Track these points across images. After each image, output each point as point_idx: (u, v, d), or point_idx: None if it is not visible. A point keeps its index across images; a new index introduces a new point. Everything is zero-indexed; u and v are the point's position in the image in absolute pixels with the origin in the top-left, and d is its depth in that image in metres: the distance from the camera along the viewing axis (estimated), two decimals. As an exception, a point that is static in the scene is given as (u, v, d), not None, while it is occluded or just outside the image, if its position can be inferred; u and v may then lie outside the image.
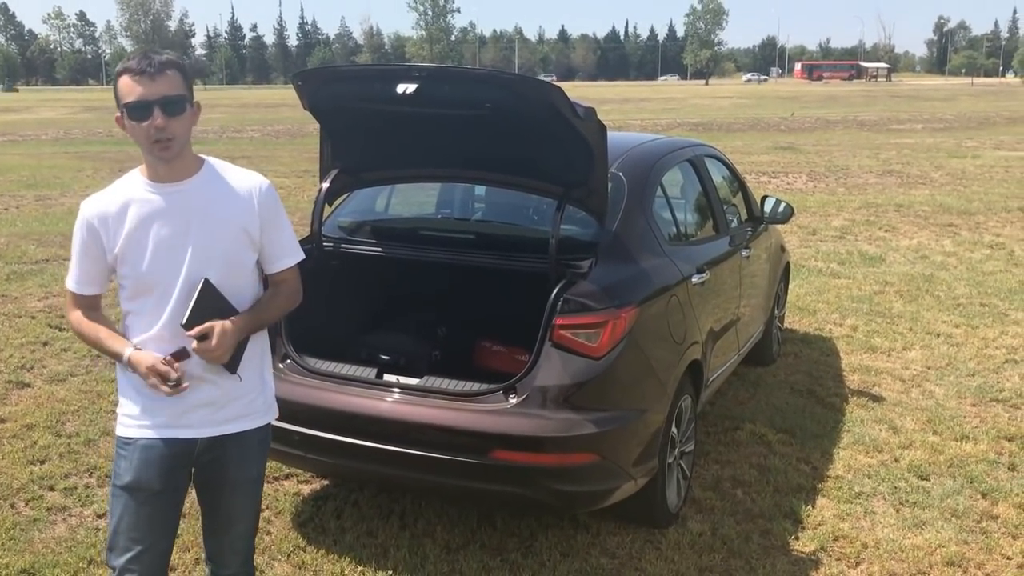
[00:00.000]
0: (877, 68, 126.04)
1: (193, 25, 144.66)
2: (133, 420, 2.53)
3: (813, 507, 4.20)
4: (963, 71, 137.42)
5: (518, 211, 4.79)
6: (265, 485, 4.22)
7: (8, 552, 3.74)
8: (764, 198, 6.00)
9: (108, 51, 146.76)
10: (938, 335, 6.98)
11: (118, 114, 2.42)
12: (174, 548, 2.79)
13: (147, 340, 2.47)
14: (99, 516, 4.04)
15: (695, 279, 4.26)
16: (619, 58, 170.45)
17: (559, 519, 4.04)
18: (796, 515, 4.12)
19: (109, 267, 2.50)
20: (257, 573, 3.53)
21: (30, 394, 5.58)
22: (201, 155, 2.55)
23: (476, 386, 3.57)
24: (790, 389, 5.81)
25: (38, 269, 9.06)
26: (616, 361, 3.50)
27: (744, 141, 25.73)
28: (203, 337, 2.40)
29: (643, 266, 3.93)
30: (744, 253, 5.27)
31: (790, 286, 7.29)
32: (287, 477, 4.47)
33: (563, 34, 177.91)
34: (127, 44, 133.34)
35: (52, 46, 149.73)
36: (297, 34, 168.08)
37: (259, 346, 2.65)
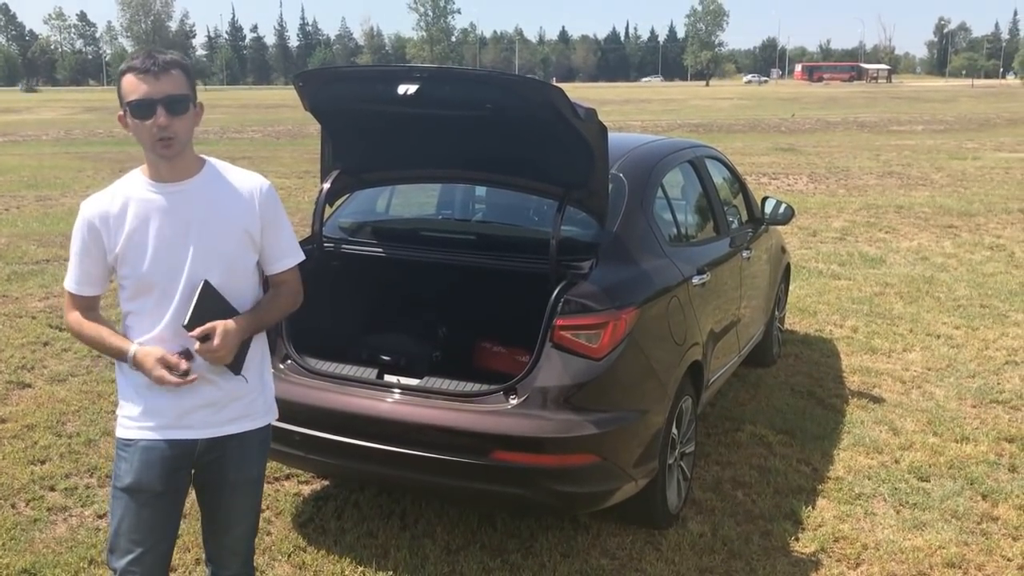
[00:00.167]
0: (877, 69, 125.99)
1: (194, 26, 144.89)
2: (133, 422, 2.53)
3: (813, 508, 4.20)
4: (963, 72, 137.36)
5: (519, 212, 4.79)
6: (266, 486, 4.23)
7: (9, 552, 3.74)
8: (765, 199, 6.01)
9: (109, 52, 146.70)
10: (938, 336, 6.99)
11: (121, 112, 2.43)
12: (175, 549, 2.79)
13: (149, 341, 2.47)
14: (100, 516, 4.04)
15: (696, 280, 4.26)
16: (619, 59, 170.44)
17: (559, 520, 4.04)
18: (796, 516, 4.12)
19: (109, 267, 2.50)
20: (258, 573, 3.53)
21: (31, 394, 5.58)
22: (202, 155, 2.56)
23: (476, 387, 3.57)
24: (790, 390, 5.82)
25: (39, 269, 9.06)
26: (617, 362, 3.51)
27: (744, 142, 25.74)
28: (205, 338, 2.40)
29: (644, 267, 3.93)
30: (745, 254, 5.27)
31: (791, 287, 7.29)
32: (288, 478, 4.47)
33: (563, 35, 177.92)
34: (128, 45, 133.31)
35: (53, 47, 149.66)
36: (298, 35, 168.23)
37: (259, 348, 2.65)
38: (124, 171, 2.57)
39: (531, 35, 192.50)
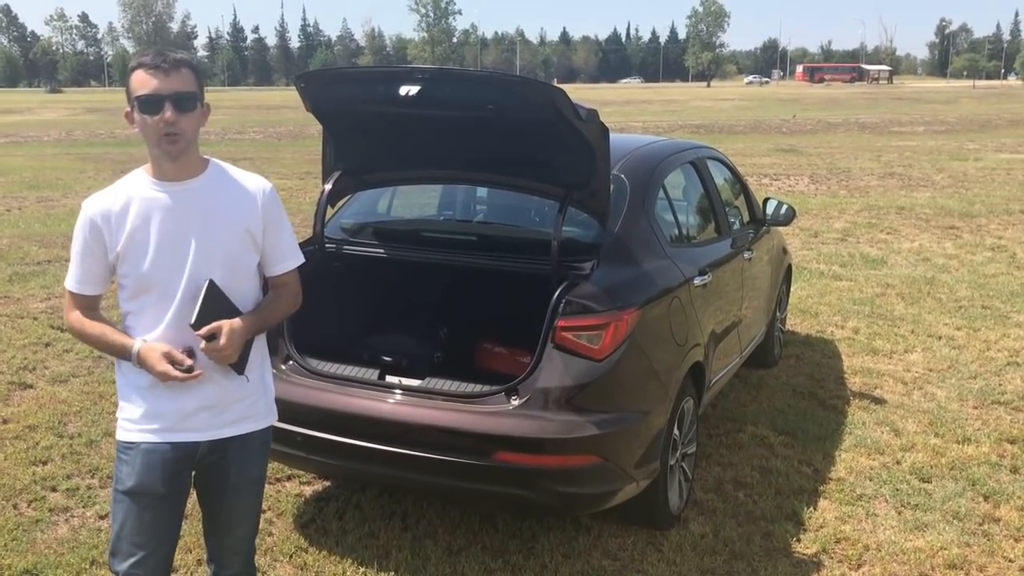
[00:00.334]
0: (879, 70, 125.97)
1: (195, 27, 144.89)
2: (134, 424, 2.52)
3: (815, 509, 4.20)
4: (965, 73, 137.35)
5: (520, 213, 4.80)
6: (267, 486, 4.24)
7: (11, 553, 3.75)
8: (766, 200, 6.01)
9: (110, 53, 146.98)
10: (940, 337, 6.98)
11: (128, 109, 2.44)
12: (177, 549, 2.79)
13: (156, 338, 2.47)
14: (101, 517, 4.04)
15: (697, 281, 4.26)
16: (621, 60, 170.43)
17: (561, 521, 4.04)
18: (798, 517, 4.12)
19: (111, 266, 2.49)
20: (259, 574, 3.53)
21: (32, 395, 5.59)
22: (206, 156, 2.56)
23: (478, 388, 3.57)
24: (792, 391, 5.81)
25: (40, 270, 9.07)
26: (618, 363, 3.50)
27: (746, 143, 25.74)
28: (211, 337, 2.40)
29: (645, 268, 3.93)
30: (746, 255, 5.27)
31: (792, 288, 7.29)
32: (289, 478, 4.48)
33: (565, 36, 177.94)
34: (129, 46, 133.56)
35: (54, 48, 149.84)
36: (299, 36, 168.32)
37: (260, 349, 2.65)
38: (125, 172, 2.57)
39: (532, 36, 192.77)
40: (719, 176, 5.48)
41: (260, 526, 3.71)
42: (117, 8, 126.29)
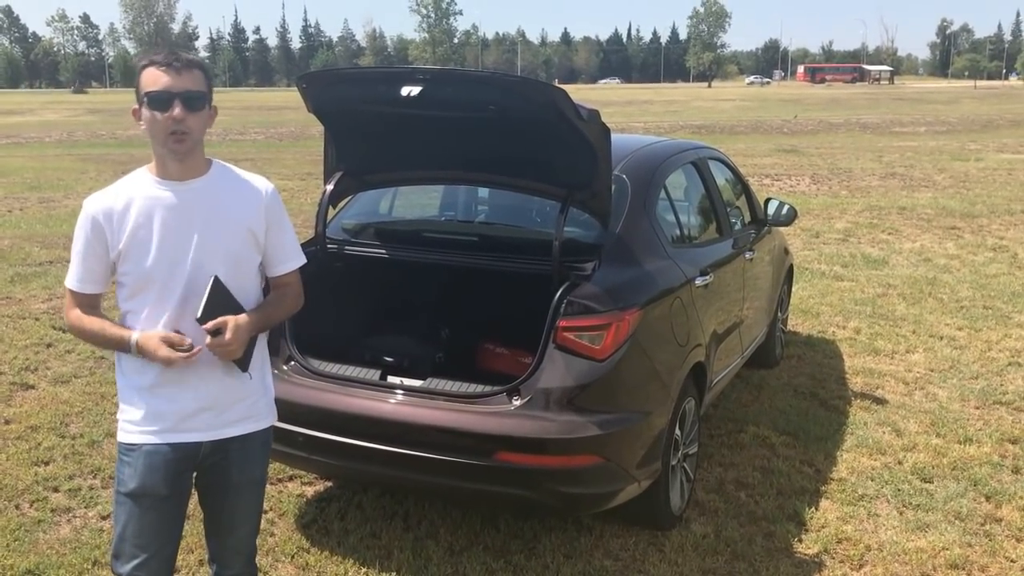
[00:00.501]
0: (880, 71, 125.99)
1: (197, 28, 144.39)
2: (136, 426, 2.52)
3: (816, 509, 4.20)
4: (966, 74, 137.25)
5: (521, 213, 4.80)
6: (269, 487, 4.24)
7: (13, 553, 3.75)
8: (767, 200, 6.01)
9: (111, 54, 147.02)
10: (941, 338, 6.98)
11: (136, 106, 2.44)
12: (178, 550, 2.79)
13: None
14: (103, 517, 4.04)
15: (698, 281, 4.26)
16: (622, 60, 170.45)
17: (563, 521, 4.04)
18: (799, 517, 4.12)
19: (112, 264, 2.48)
20: (261, 574, 3.54)
21: (34, 396, 5.59)
22: (208, 157, 2.57)
23: (480, 388, 3.57)
24: (793, 392, 5.81)
25: (42, 271, 9.07)
26: (620, 363, 3.51)
27: (747, 144, 25.74)
28: (217, 332, 2.40)
29: (646, 268, 3.93)
30: (747, 255, 5.27)
31: (793, 289, 7.29)
32: (291, 479, 4.48)
33: (566, 36, 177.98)
34: (130, 47, 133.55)
35: (56, 48, 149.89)
36: (300, 36, 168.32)
37: (260, 350, 2.65)
38: (127, 172, 2.57)
39: (533, 37, 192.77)
40: (720, 176, 5.48)
41: (262, 526, 3.71)
42: (118, 9, 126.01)
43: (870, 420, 5.30)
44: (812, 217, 12.57)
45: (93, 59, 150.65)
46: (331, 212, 4.28)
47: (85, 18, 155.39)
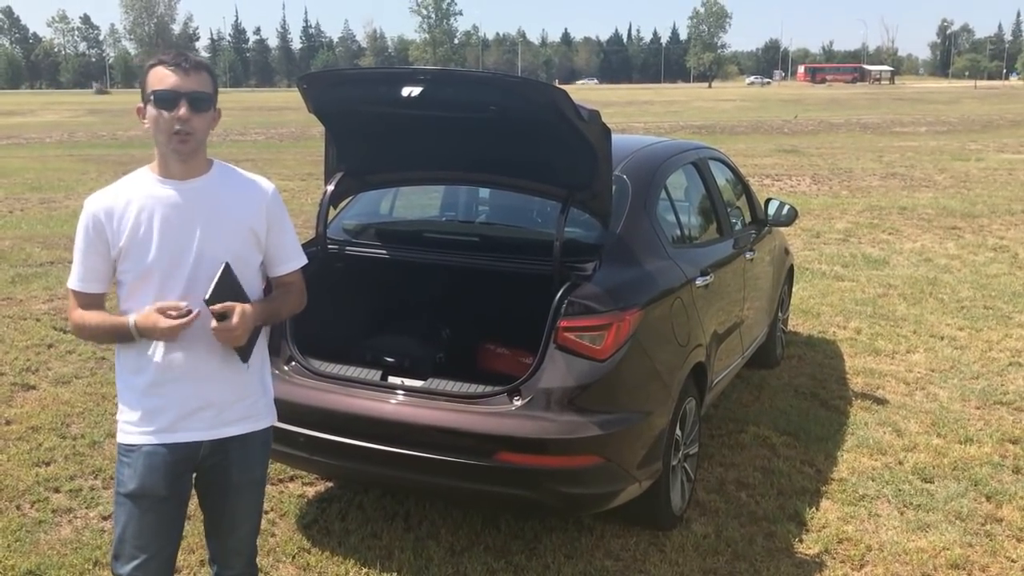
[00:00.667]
0: (880, 71, 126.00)
1: (197, 28, 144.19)
2: (135, 427, 2.52)
3: (817, 510, 4.20)
4: (966, 74, 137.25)
5: (522, 214, 4.80)
6: (270, 487, 4.25)
7: (14, 554, 3.75)
8: (768, 200, 6.01)
9: (112, 54, 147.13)
10: (942, 338, 6.98)
11: (140, 105, 2.45)
12: (180, 550, 2.79)
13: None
14: (104, 518, 4.05)
15: (699, 281, 4.26)
16: (622, 61, 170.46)
17: (563, 521, 4.04)
18: (800, 518, 4.12)
19: (113, 262, 2.48)
20: (262, 574, 3.54)
21: (35, 396, 5.59)
22: (209, 157, 2.57)
23: (480, 388, 3.57)
24: (794, 392, 5.81)
25: (43, 272, 9.08)
26: (620, 363, 3.51)
27: (747, 144, 25.74)
28: (223, 318, 2.40)
29: (647, 268, 3.93)
30: (748, 255, 5.27)
31: (794, 289, 7.29)
32: (292, 479, 4.48)
33: (566, 37, 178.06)
34: (131, 47, 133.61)
35: (56, 49, 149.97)
36: (300, 37, 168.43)
37: (260, 350, 2.66)
38: (128, 173, 2.57)
39: (534, 37, 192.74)
40: (721, 177, 5.48)
41: (263, 527, 3.73)
42: (119, 10, 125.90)
43: (871, 420, 5.30)
44: (812, 217, 12.58)
45: (94, 60, 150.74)
46: (332, 213, 4.28)
47: (86, 19, 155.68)
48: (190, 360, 2.49)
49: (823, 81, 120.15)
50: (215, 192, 2.51)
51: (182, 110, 2.38)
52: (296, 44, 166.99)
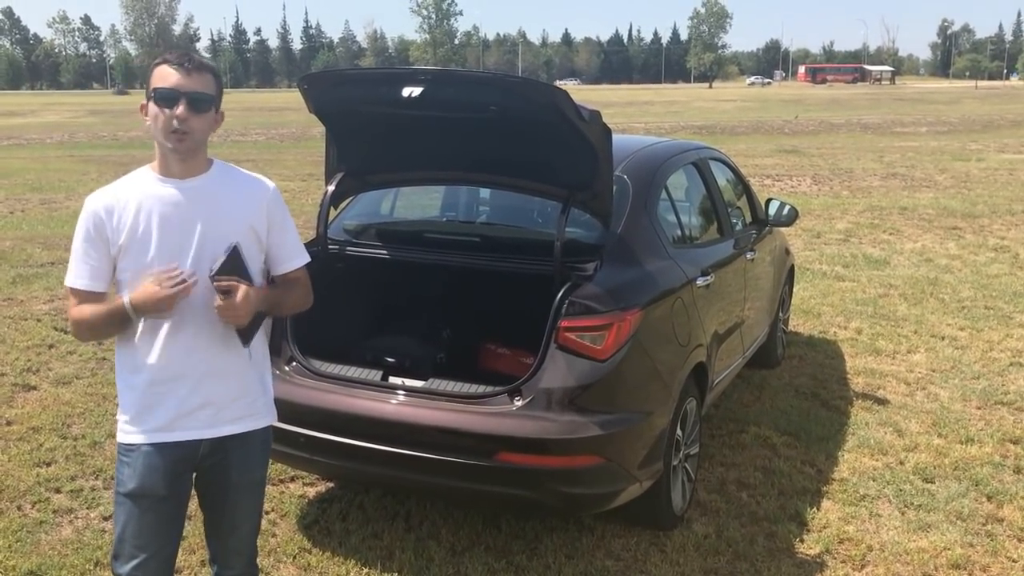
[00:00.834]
0: (881, 71, 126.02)
1: (198, 29, 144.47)
2: (134, 426, 2.52)
3: (818, 510, 4.20)
4: (967, 74, 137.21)
5: (523, 214, 4.80)
6: (271, 487, 4.25)
7: (15, 554, 3.75)
8: (768, 201, 6.01)
9: (112, 55, 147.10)
10: (943, 338, 6.98)
11: (144, 102, 2.45)
12: (180, 551, 2.80)
13: (154, 339, 2.46)
14: (105, 518, 4.05)
15: (700, 282, 4.26)
16: (622, 61, 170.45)
17: (564, 521, 4.04)
18: (801, 518, 4.12)
19: (113, 261, 2.47)
20: (263, 575, 3.54)
21: (36, 397, 5.60)
22: (210, 157, 2.57)
23: (481, 388, 3.57)
24: (795, 392, 5.81)
25: (43, 272, 9.08)
26: (621, 364, 3.51)
27: (748, 144, 25.74)
28: (227, 294, 2.39)
29: (648, 269, 3.93)
30: (748, 256, 5.27)
31: (794, 289, 7.29)
32: (293, 479, 4.48)
33: (567, 37, 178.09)
34: (131, 48, 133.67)
35: (57, 50, 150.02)
36: (301, 38, 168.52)
37: (261, 350, 2.66)
38: (128, 173, 2.58)
39: (534, 37, 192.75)
40: (721, 177, 5.48)
41: (264, 527, 3.73)
42: (120, 10, 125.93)
43: (871, 420, 5.30)
44: (813, 217, 12.57)
45: (94, 60, 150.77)
46: (332, 213, 4.28)
47: (86, 19, 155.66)
48: (189, 359, 2.48)
49: (824, 81, 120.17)
50: (215, 191, 2.51)
51: (180, 109, 2.38)
52: (297, 45, 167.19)
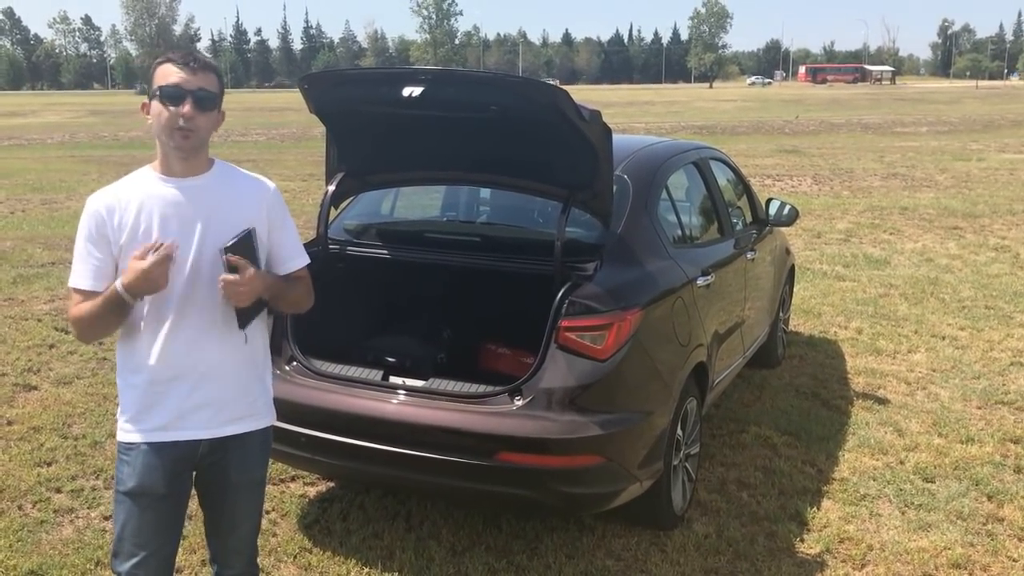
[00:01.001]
0: (881, 71, 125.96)
1: (198, 29, 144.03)
2: (134, 425, 2.52)
3: (818, 509, 4.20)
4: (968, 74, 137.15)
5: (523, 214, 4.80)
6: (271, 487, 4.25)
7: (16, 554, 3.75)
8: (769, 200, 6.01)
9: (113, 55, 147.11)
10: (943, 338, 6.98)
11: (147, 100, 2.46)
12: (181, 550, 2.80)
13: (156, 340, 2.46)
14: (106, 518, 4.05)
15: (700, 281, 4.26)
16: (623, 61, 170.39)
17: (564, 521, 4.04)
18: (801, 517, 4.12)
19: (115, 260, 2.47)
20: (263, 574, 3.54)
21: (37, 397, 5.60)
22: (211, 157, 2.58)
23: (482, 388, 3.58)
24: (795, 392, 5.81)
25: (44, 272, 9.09)
26: (621, 363, 3.51)
27: (748, 144, 25.73)
28: (234, 270, 2.39)
29: (648, 268, 3.93)
30: (749, 255, 5.27)
31: (795, 289, 7.29)
32: (293, 479, 4.48)
33: (567, 37, 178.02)
34: (132, 48, 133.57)
35: (57, 50, 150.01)
36: (301, 38, 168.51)
37: (262, 350, 2.66)
38: (129, 173, 2.58)
39: (534, 37, 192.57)
40: (722, 177, 5.48)
41: (264, 527, 3.73)
42: (120, 11, 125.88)
43: (872, 420, 5.30)
44: (814, 217, 12.57)
45: (95, 61, 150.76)
46: (333, 213, 4.28)
47: (87, 20, 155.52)
48: (189, 358, 2.49)
49: (824, 81, 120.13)
50: (216, 191, 2.52)
51: (187, 107, 2.39)
52: (297, 45, 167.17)
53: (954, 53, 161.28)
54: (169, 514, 2.57)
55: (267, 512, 4.01)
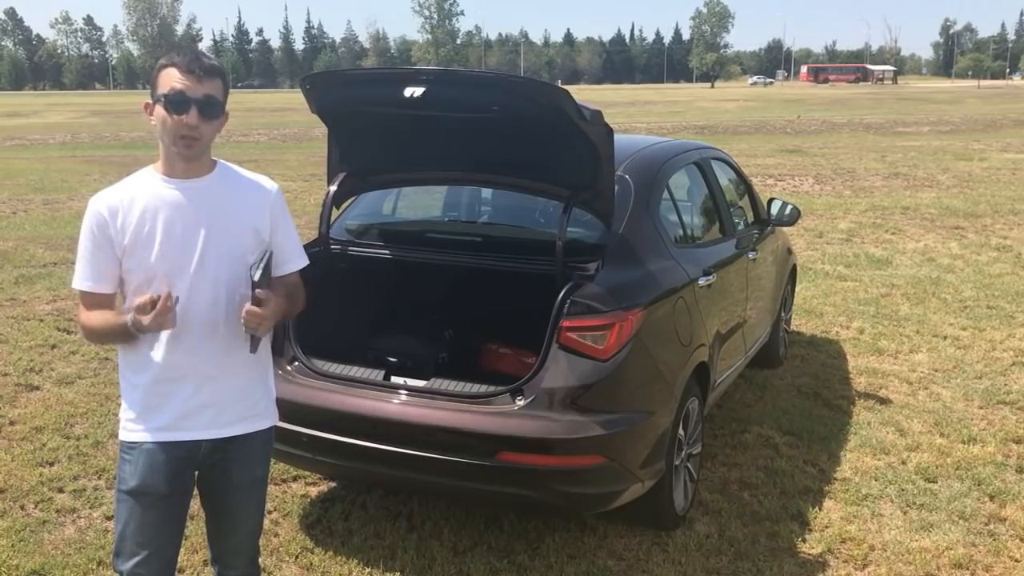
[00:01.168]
0: (883, 71, 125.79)
1: (200, 29, 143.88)
2: (136, 424, 2.53)
3: (820, 509, 4.20)
4: (969, 73, 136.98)
5: (524, 214, 4.80)
6: (273, 487, 4.26)
7: (18, 554, 3.76)
8: (771, 200, 6.01)
9: (115, 55, 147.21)
10: (945, 338, 6.97)
11: (149, 102, 2.44)
12: (183, 550, 2.80)
13: (159, 336, 2.46)
14: (108, 518, 4.05)
15: (702, 281, 4.26)
16: (624, 61, 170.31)
17: (566, 521, 4.04)
18: (803, 517, 4.12)
19: (118, 260, 2.47)
20: (265, 574, 3.54)
21: (39, 397, 5.60)
22: (213, 157, 2.58)
23: (483, 388, 3.58)
24: (797, 392, 5.81)
25: (46, 272, 9.09)
26: (623, 363, 3.51)
27: (750, 144, 25.71)
28: (258, 303, 2.40)
29: (649, 268, 3.93)
30: (751, 255, 5.27)
31: (797, 288, 7.29)
32: (295, 479, 4.49)
33: (568, 37, 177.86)
34: (134, 48, 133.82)
35: (59, 51, 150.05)
36: (303, 38, 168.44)
37: (264, 351, 2.66)
38: (131, 174, 2.58)
39: (536, 37, 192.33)
40: (723, 176, 5.48)
41: (266, 527, 3.73)
42: (122, 11, 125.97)
43: (874, 420, 5.30)
44: (815, 217, 12.57)
45: (97, 61, 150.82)
46: (335, 213, 4.28)
47: (89, 20, 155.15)
48: (192, 360, 2.49)
49: (826, 81, 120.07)
50: (219, 192, 2.52)
51: (191, 116, 2.37)
52: (299, 45, 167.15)
53: (956, 53, 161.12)
54: (171, 514, 2.58)
55: (269, 512, 4.01)
